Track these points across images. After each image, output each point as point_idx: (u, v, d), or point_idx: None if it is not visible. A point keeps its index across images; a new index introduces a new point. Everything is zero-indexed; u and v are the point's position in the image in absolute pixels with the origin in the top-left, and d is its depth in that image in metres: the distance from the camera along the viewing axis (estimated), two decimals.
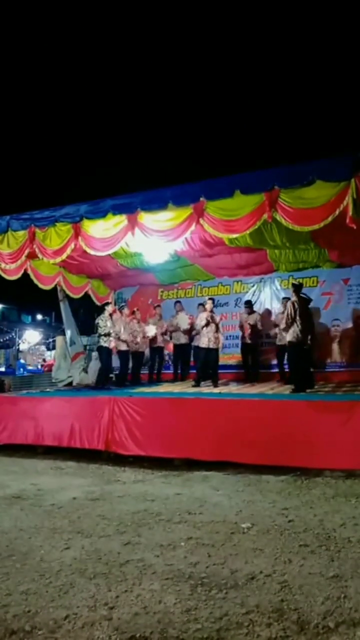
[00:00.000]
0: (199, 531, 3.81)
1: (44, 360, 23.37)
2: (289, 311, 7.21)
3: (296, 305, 7.21)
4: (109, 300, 9.52)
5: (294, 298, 7.34)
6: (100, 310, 9.12)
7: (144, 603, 2.72)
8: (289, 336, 7.30)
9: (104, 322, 8.67)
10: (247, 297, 10.01)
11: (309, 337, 7.31)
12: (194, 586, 2.90)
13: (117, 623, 2.52)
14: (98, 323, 8.73)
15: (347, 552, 3.35)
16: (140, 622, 2.53)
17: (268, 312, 9.81)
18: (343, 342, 9.26)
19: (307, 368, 7.57)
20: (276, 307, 9.53)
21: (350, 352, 9.16)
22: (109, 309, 9.04)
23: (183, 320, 9.61)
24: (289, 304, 7.35)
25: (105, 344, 8.68)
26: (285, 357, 8.72)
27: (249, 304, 9.40)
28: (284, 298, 9.29)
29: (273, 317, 9.52)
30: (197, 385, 8.40)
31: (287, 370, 8.75)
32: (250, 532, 3.76)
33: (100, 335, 8.70)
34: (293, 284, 7.71)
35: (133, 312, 9.63)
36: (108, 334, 8.65)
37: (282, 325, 7.47)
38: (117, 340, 9.07)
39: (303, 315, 7.22)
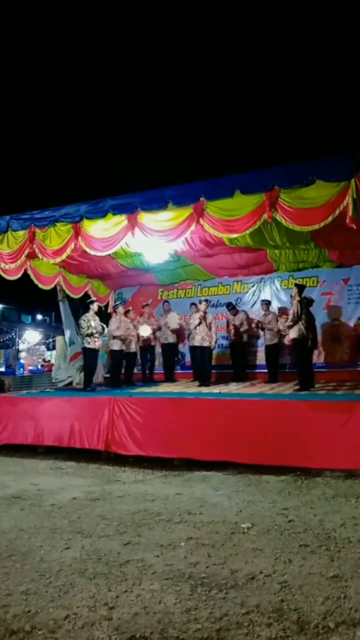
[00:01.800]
0: (199, 531, 3.81)
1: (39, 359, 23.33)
2: (295, 309, 7.28)
3: (302, 304, 7.28)
4: (95, 299, 9.28)
5: (297, 298, 7.39)
6: (87, 308, 8.65)
7: (144, 603, 2.72)
8: (293, 333, 7.36)
9: (86, 323, 8.27)
10: (245, 297, 10.08)
11: (311, 336, 7.35)
12: (194, 586, 2.90)
13: (117, 623, 2.52)
14: (80, 324, 8.35)
15: (347, 552, 3.35)
16: (140, 622, 2.53)
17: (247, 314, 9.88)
18: (343, 342, 9.27)
19: (308, 367, 7.60)
20: (276, 307, 9.54)
21: (350, 352, 9.17)
22: (94, 307, 8.63)
23: (173, 320, 9.65)
24: (294, 302, 7.39)
25: (90, 345, 8.34)
26: (272, 356, 8.92)
27: (231, 307, 9.51)
28: (263, 300, 9.40)
29: (257, 318, 9.55)
30: (203, 384, 8.46)
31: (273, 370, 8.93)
32: (250, 532, 3.76)
33: (84, 337, 8.37)
34: (296, 284, 7.79)
35: (127, 312, 9.58)
36: (91, 334, 8.28)
37: (288, 323, 7.51)
38: (112, 339, 8.91)
39: (306, 315, 7.30)
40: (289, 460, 5.43)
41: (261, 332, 9.22)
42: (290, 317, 7.42)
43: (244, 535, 3.72)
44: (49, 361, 21.91)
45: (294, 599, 2.73)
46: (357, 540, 3.55)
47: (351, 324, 9.24)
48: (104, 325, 8.67)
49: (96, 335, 8.38)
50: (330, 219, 5.65)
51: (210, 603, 2.70)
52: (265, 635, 2.39)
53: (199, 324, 8.53)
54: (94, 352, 8.54)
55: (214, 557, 3.32)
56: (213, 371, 9.31)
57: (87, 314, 8.44)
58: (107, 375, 9.91)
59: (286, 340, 8.62)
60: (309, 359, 7.63)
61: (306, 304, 7.46)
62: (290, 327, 7.44)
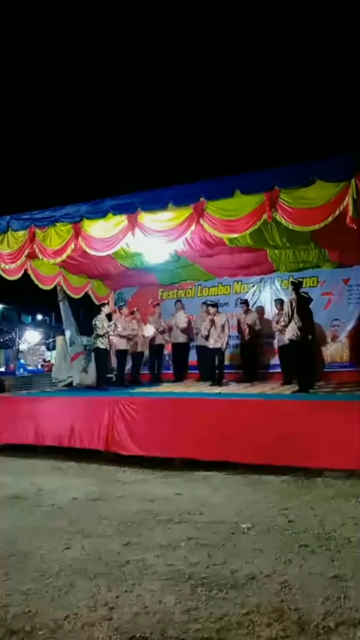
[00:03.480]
0: (199, 531, 3.81)
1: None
2: (287, 309, 7.22)
3: (294, 304, 7.19)
4: (106, 301, 9.39)
5: (292, 296, 7.33)
6: (97, 310, 8.91)
7: (144, 603, 2.72)
8: (288, 334, 7.28)
9: (101, 323, 8.49)
10: (246, 297, 10.01)
11: (309, 335, 7.29)
12: (194, 586, 2.90)
13: (117, 623, 2.52)
14: (95, 324, 8.53)
15: (347, 552, 3.35)
16: (140, 622, 2.53)
17: (262, 310, 9.82)
18: (343, 342, 9.26)
19: (308, 367, 7.55)
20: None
21: (350, 352, 9.16)
22: (106, 309, 8.89)
23: (181, 319, 9.64)
24: (286, 301, 7.34)
25: (103, 346, 8.49)
26: (286, 356, 8.74)
27: (246, 303, 9.43)
28: (276, 299, 9.34)
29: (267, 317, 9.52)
30: (215, 384, 8.48)
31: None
32: (250, 533, 3.76)
33: (97, 337, 8.50)
34: (292, 282, 7.68)
35: (133, 312, 9.60)
36: (105, 334, 8.48)
37: (281, 323, 7.44)
38: (118, 338, 9.01)
39: (302, 313, 7.19)
40: (289, 460, 5.44)
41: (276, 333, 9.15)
42: (283, 316, 7.36)
43: (244, 535, 3.72)
44: (49, 361, 21.92)
45: (294, 599, 2.73)
46: (357, 540, 3.55)
47: (351, 324, 9.23)
48: (116, 324, 8.85)
49: (111, 334, 8.64)
50: (330, 219, 5.65)
51: (211, 603, 2.70)
52: (265, 635, 2.39)
53: (211, 327, 8.58)
54: (106, 352, 8.71)
55: (214, 557, 3.32)
56: (225, 371, 9.29)
57: (99, 315, 8.62)
58: (111, 375, 9.92)
59: (282, 342, 8.59)
60: (309, 359, 7.56)
61: (304, 301, 7.39)
62: (284, 326, 7.33)
